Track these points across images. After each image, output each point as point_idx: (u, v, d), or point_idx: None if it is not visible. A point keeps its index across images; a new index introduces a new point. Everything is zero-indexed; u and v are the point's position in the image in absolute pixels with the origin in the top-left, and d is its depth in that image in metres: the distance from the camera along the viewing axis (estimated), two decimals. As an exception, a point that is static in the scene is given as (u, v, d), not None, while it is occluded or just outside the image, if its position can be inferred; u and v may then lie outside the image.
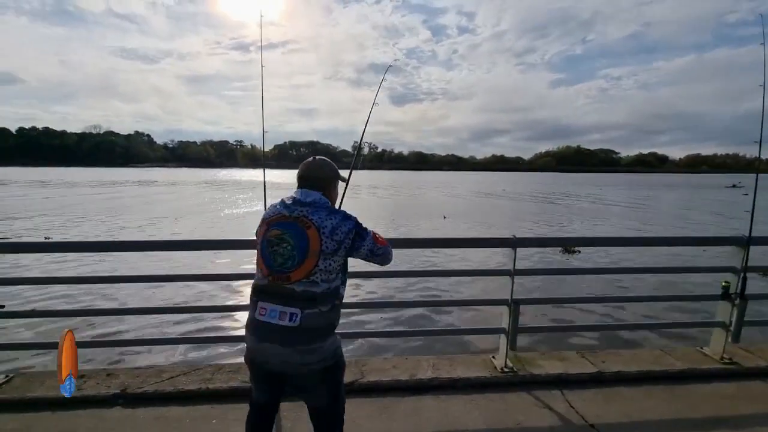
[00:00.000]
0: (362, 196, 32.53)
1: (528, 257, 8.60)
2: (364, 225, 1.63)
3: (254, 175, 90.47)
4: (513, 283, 2.92)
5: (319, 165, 1.70)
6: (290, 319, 1.46)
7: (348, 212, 1.62)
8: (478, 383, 2.88)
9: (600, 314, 5.44)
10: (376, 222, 16.08)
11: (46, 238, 11.78)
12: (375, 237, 1.63)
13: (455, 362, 3.10)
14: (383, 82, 2.39)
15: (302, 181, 1.66)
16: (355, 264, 1.70)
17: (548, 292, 6.61)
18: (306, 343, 1.47)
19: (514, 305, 2.93)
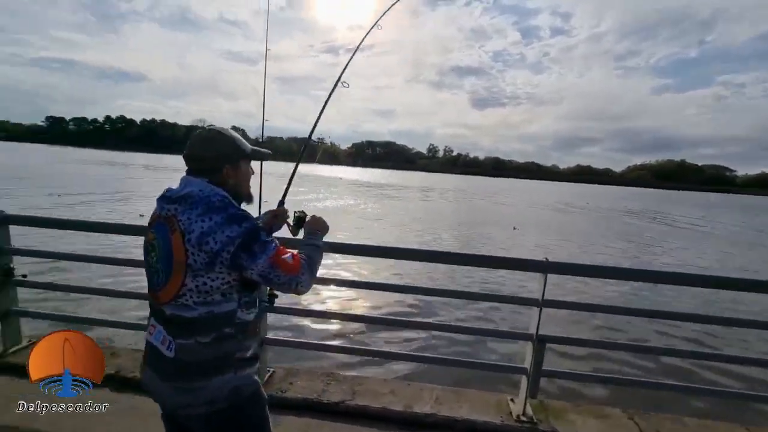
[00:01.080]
0: (433, 200, 31.87)
1: (563, 285, 7.36)
2: (268, 236, 1.17)
3: (330, 171, 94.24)
4: (540, 315, 2.39)
5: (202, 139, 1.21)
6: (167, 347, 1.15)
7: (245, 213, 1.17)
8: (485, 430, 2.40)
9: (659, 365, 4.44)
10: (440, 228, 15.48)
11: (140, 215, 13.25)
12: (276, 258, 1.14)
13: (462, 398, 2.63)
14: (350, 62, 1.99)
15: (186, 163, 1.23)
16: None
17: (584, 330, 5.46)
18: (184, 380, 1.14)
19: (539, 342, 2.40)
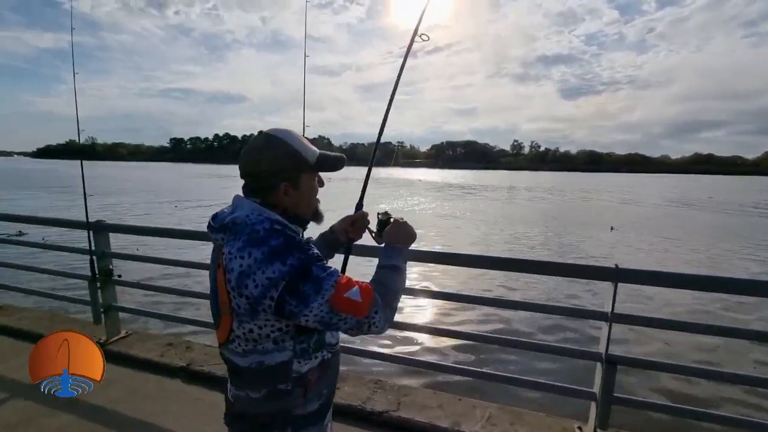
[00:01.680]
0: (515, 200, 30.02)
1: (642, 296, 6.23)
2: (324, 270, 0.90)
3: (409, 173, 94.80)
4: (610, 331, 2.04)
5: (251, 150, 0.99)
6: (228, 390, 1.06)
7: (293, 243, 0.90)
8: (544, 460, 2.11)
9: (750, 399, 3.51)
10: (523, 230, 14.48)
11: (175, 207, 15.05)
12: (338, 297, 0.88)
13: (519, 421, 2.34)
14: (405, 64, 1.58)
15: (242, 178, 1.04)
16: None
17: (661, 350, 4.47)
18: (238, 428, 1.04)
19: (608, 364, 2.04)
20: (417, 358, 3.20)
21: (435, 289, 5.45)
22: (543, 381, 2.34)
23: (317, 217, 1.10)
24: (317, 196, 1.09)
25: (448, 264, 2.53)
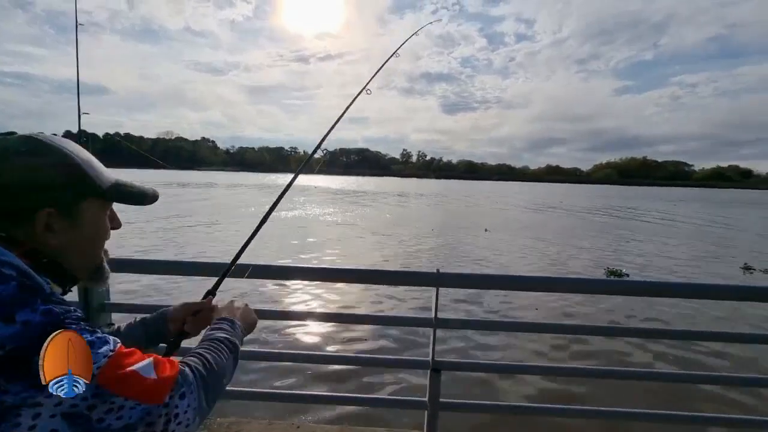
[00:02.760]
0: (409, 205, 31.32)
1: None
2: (90, 333, 0.57)
3: (304, 180, 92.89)
4: (434, 337, 1.92)
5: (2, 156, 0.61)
6: None
7: (34, 290, 0.56)
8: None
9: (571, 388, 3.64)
10: (411, 233, 14.93)
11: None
12: (109, 369, 0.55)
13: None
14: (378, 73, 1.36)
15: None
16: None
17: (493, 351, 4.46)
18: None
19: (433, 371, 1.93)
20: (245, 390, 2.56)
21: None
22: (378, 396, 2.20)
23: (98, 276, 0.74)
24: (104, 245, 0.75)
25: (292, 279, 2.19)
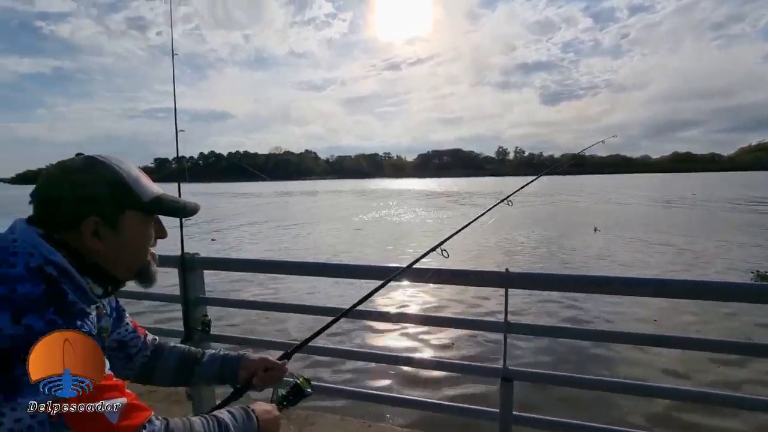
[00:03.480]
0: (505, 207, 29.79)
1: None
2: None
3: (398, 184, 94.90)
4: (506, 343, 1.80)
5: (52, 170, 0.71)
6: None
7: (57, 300, 0.60)
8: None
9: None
10: (508, 234, 14.28)
11: (212, 240, 14.37)
12: (74, 404, 0.56)
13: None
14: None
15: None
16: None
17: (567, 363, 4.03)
18: None
19: (505, 381, 1.80)
20: (321, 384, 2.65)
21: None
22: (447, 403, 2.09)
23: (143, 278, 0.80)
24: (153, 251, 0.81)
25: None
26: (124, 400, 0.59)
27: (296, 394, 0.97)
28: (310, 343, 1.23)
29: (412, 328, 4.92)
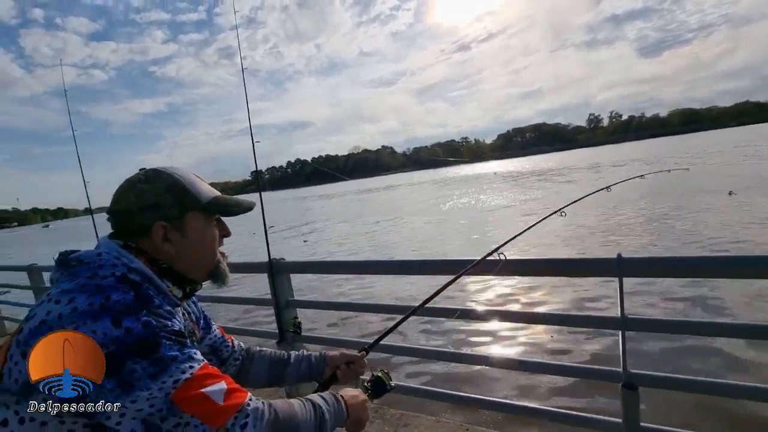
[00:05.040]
0: (605, 177, 26.60)
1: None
2: (180, 349, 0.65)
3: (478, 168, 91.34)
4: (624, 342, 1.42)
5: (121, 185, 0.78)
6: None
7: (146, 302, 0.66)
8: None
9: None
10: (619, 212, 11.96)
11: (304, 241, 15.24)
12: (185, 389, 0.62)
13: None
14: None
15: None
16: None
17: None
18: None
19: (627, 388, 1.41)
20: (414, 386, 2.40)
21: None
22: (557, 410, 1.71)
23: (215, 276, 0.85)
24: (220, 250, 0.87)
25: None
26: (224, 383, 0.66)
27: (378, 386, 1.01)
28: (395, 343, 1.14)
29: (504, 325, 4.46)
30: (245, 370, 1.06)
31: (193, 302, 0.99)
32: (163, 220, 0.75)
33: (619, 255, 1.38)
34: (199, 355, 0.67)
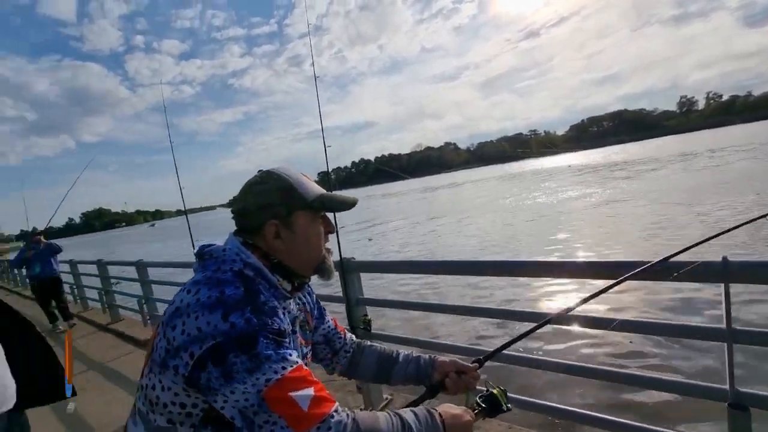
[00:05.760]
0: (696, 167, 23.31)
1: None
2: (276, 349, 0.67)
3: (550, 162, 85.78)
4: (731, 356, 1.26)
5: (242, 188, 0.87)
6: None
7: (249, 301, 0.70)
8: None
9: None
10: (713, 206, 10.66)
11: (369, 239, 15.51)
12: (276, 390, 0.64)
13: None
14: None
15: None
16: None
17: None
18: None
19: (736, 408, 1.21)
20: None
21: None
22: (653, 428, 1.41)
23: (321, 272, 0.89)
24: (326, 246, 0.90)
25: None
26: (312, 390, 0.67)
27: (492, 405, 0.91)
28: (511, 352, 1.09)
29: (587, 332, 4.09)
30: (355, 363, 1.09)
31: (308, 293, 1.04)
32: (274, 218, 0.81)
33: (724, 258, 1.22)
34: (293, 357, 0.69)
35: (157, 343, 0.72)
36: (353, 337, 1.12)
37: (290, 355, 0.69)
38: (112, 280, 6.07)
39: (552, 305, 5.39)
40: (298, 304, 0.96)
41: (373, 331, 2.40)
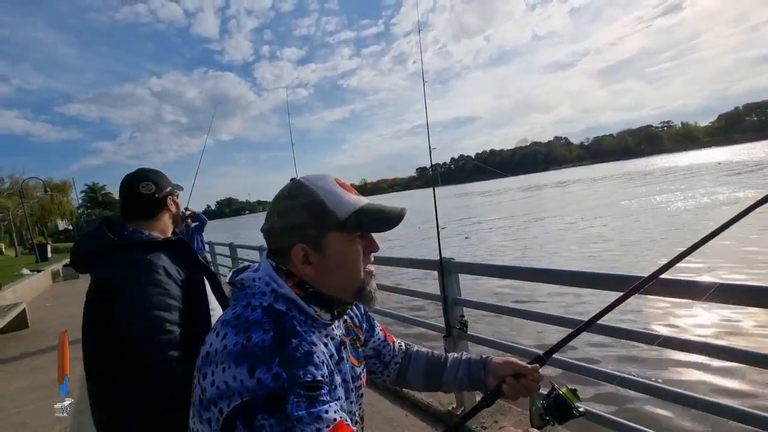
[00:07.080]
0: None
1: None
2: (308, 408, 0.58)
3: (688, 158, 72.50)
4: None
5: (274, 202, 0.76)
6: None
7: (278, 352, 0.61)
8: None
9: None
10: None
11: (466, 238, 15.13)
12: None
13: None
14: None
15: None
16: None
17: None
18: None
19: None
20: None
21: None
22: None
23: (360, 297, 0.76)
24: (368, 267, 0.76)
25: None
26: None
27: (561, 408, 0.79)
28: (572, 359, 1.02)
29: (690, 356, 3.61)
30: (404, 371, 1.02)
31: (356, 304, 0.95)
32: (302, 242, 0.70)
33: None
34: (330, 414, 0.60)
35: (195, 384, 0.67)
36: (402, 344, 1.06)
37: (326, 412, 0.59)
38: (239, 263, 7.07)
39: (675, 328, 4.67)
40: (345, 320, 0.88)
41: (468, 332, 2.37)
